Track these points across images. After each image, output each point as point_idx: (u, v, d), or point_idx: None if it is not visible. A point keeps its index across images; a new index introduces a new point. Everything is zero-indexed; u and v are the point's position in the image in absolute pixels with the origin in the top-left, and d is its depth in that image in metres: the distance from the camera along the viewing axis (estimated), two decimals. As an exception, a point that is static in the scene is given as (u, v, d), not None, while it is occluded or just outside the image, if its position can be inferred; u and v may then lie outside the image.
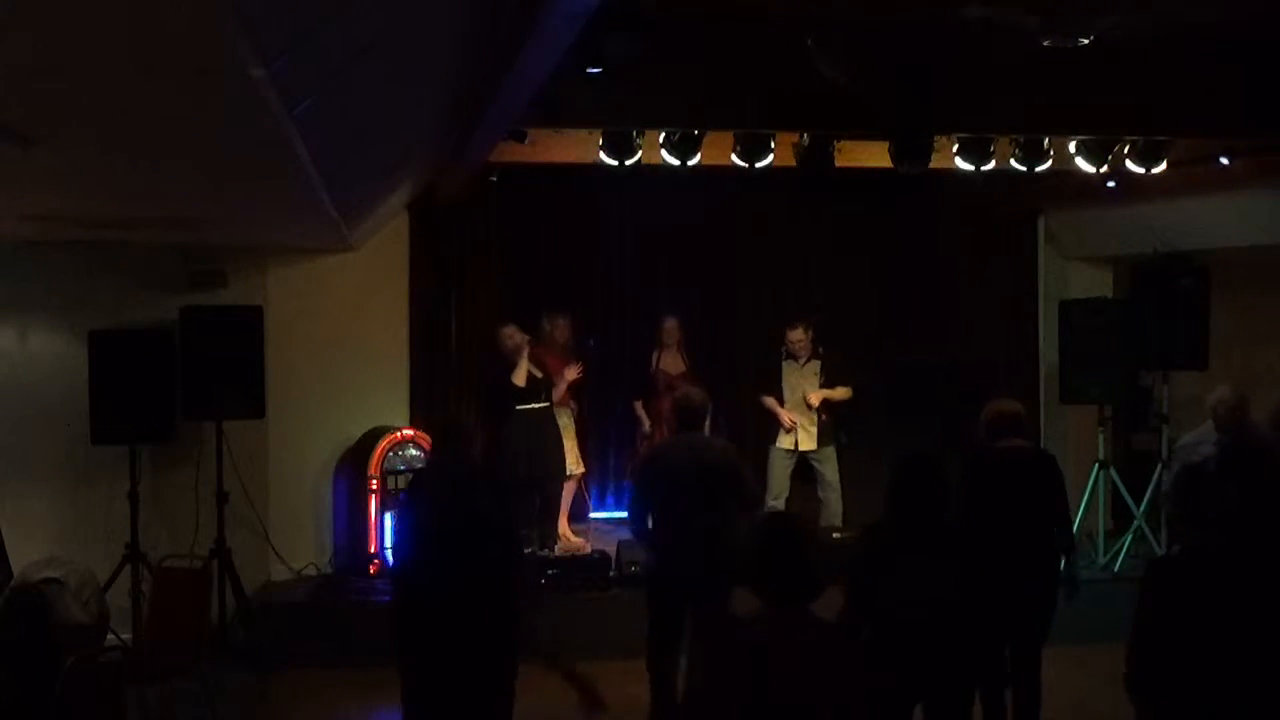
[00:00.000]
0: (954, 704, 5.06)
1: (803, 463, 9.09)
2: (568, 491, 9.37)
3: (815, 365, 9.05)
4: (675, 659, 6.35)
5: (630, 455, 9.71)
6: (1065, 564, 6.23)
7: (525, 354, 8.84)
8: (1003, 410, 6.28)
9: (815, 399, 8.94)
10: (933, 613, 4.86)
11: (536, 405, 8.91)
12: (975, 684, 5.21)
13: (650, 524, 6.46)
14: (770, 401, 9.08)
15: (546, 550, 8.74)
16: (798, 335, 8.98)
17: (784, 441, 9.05)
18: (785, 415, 9.00)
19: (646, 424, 9.43)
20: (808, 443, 9.03)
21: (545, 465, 8.94)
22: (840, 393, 8.98)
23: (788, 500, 9.11)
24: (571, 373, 9.08)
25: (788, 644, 3.59)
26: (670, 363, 9.52)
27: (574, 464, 9.30)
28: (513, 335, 8.89)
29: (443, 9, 4.20)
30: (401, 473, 8.68)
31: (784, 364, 9.09)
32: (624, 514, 7.82)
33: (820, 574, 3.69)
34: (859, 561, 5.04)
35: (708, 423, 6.93)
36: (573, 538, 9.34)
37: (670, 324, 9.52)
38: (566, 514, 9.45)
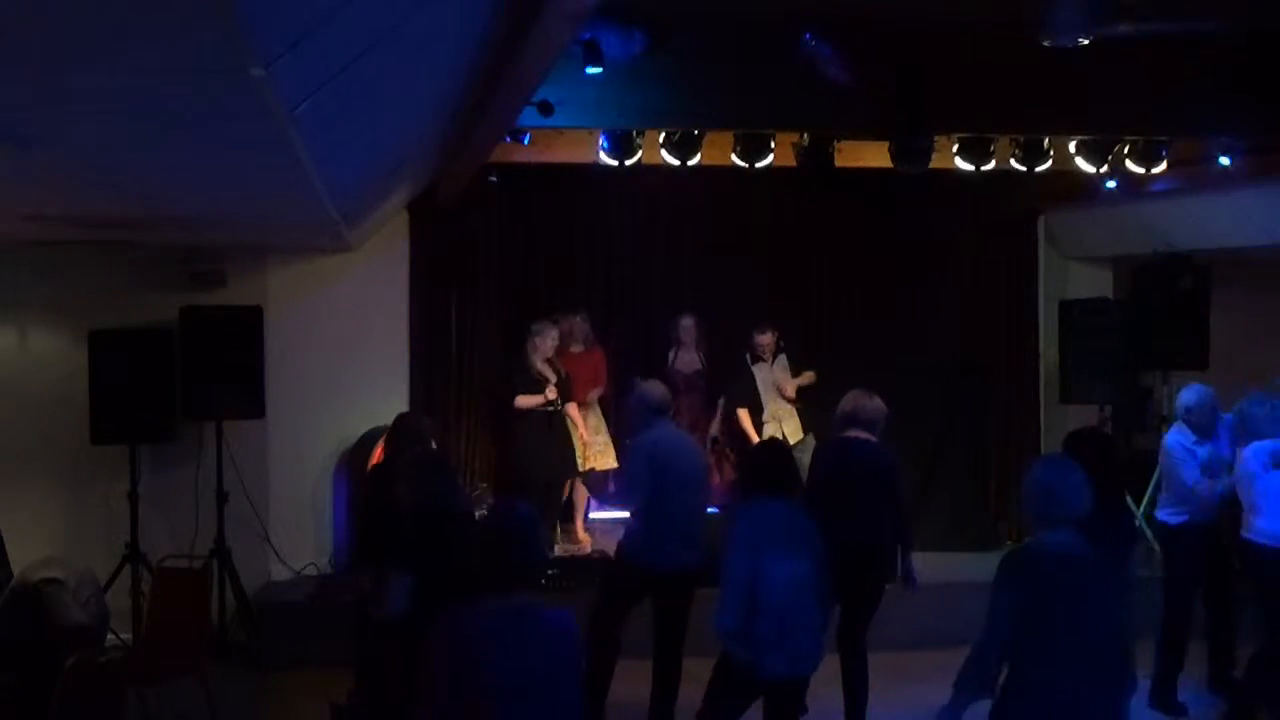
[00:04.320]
0: (797, 691, 5.21)
1: None
2: (581, 493, 9.40)
3: (783, 359, 9.45)
4: (678, 655, 6.41)
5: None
6: (903, 559, 6.51)
7: (549, 375, 8.92)
8: (851, 403, 6.55)
9: (791, 390, 9.37)
10: (791, 601, 5.00)
11: (547, 409, 8.98)
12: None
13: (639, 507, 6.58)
14: (745, 422, 9.33)
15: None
16: (767, 339, 9.39)
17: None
18: (754, 438, 9.34)
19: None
20: (794, 434, 9.26)
21: (549, 469, 9.00)
22: (807, 377, 9.40)
23: None
24: (594, 393, 9.31)
25: (511, 631, 3.66)
26: (685, 361, 9.56)
27: (589, 461, 9.33)
28: (552, 344, 8.93)
29: (443, 9, 4.20)
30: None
31: (753, 367, 9.46)
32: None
33: (541, 561, 3.86)
34: (732, 550, 5.17)
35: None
36: (583, 535, 9.34)
37: (687, 322, 9.62)
38: (582, 513, 9.47)
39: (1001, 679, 4.17)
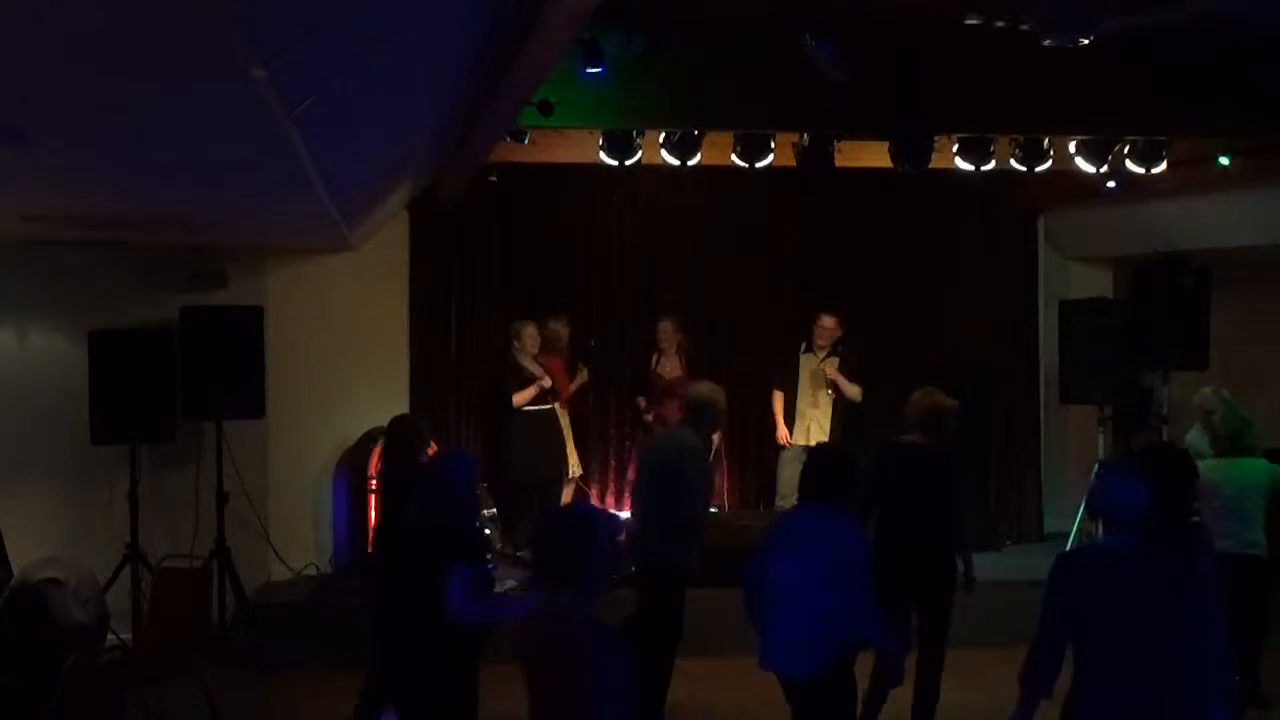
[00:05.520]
0: (802, 694, 5.17)
1: None
2: (567, 495, 9.37)
3: (834, 361, 9.27)
4: (661, 653, 6.44)
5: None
6: (964, 562, 6.37)
7: (538, 371, 8.95)
8: (911, 403, 6.48)
9: (831, 370, 9.15)
10: (785, 602, 5.03)
11: (542, 406, 9.01)
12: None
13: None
14: (776, 406, 9.30)
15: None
16: (830, 323, 9.21)
17: (797, 438, 9.22)
18: (784, 433, 9.28)
19: (649, 417, 9.47)
20: (819, 434, 9.16)
21: (547, 467, 8.99)
22: (852, 390, 9.15)
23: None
24: (576, 382, 9.25)
25: (550, 628, 3.66)
26: (668, 367, 9.51)
27: (573, 466, 9.32)
28: (531, 339, 8.95)
29: (443, 9, 4.21)
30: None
31: (803, 356, 9.37)
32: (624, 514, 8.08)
33: (591, 561, 3.72)
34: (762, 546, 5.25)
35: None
36: None
37: (665, 326, 9.48)
38: None
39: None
